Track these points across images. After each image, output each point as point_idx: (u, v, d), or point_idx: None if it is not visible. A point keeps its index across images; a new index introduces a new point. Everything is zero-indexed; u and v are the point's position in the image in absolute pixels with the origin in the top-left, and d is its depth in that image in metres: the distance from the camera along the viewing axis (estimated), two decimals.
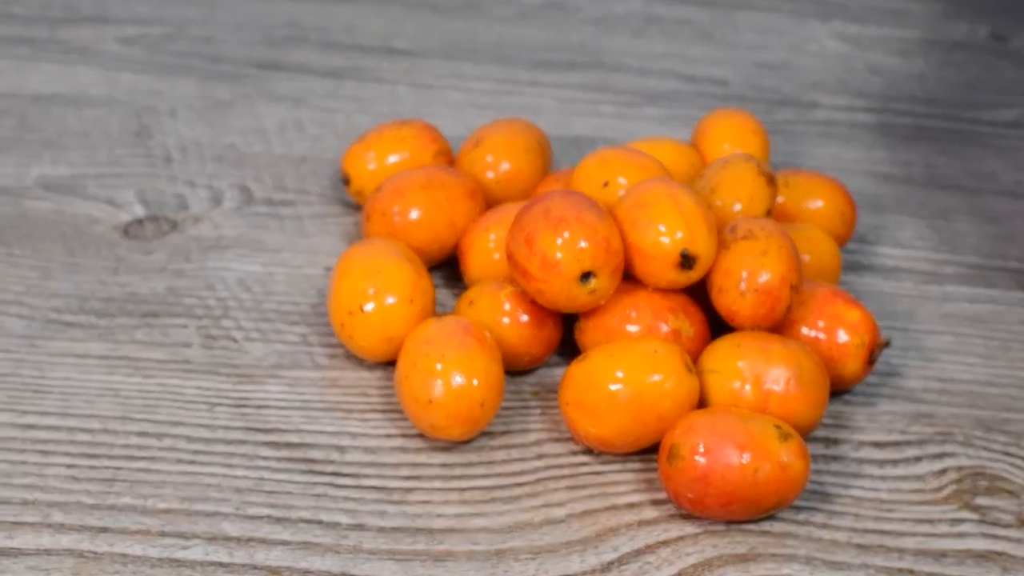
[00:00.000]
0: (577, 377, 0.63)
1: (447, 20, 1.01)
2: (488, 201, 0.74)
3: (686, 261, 0.64)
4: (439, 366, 0.61)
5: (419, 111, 0.88)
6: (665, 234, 0.63)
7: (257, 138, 0.84)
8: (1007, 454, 0.66)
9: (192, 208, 0.77)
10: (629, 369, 0.61)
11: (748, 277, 0.64)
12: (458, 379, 0.61)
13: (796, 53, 1.01)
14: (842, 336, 0.66)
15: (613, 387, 0.61)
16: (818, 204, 0.75)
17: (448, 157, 0.77)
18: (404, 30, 0.99)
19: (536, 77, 0.95)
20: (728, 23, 1.05)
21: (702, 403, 0.63)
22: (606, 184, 0.68)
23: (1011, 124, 0.94)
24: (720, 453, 0.59)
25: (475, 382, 0.61)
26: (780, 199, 0.74)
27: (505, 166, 0.75)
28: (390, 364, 0.66)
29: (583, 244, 0.62)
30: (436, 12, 1.02)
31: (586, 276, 0.63)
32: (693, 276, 0.65)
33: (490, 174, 0.75)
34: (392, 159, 0.75)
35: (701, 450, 0.59)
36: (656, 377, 0.61)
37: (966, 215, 0.83)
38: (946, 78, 0.99)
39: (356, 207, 0.78)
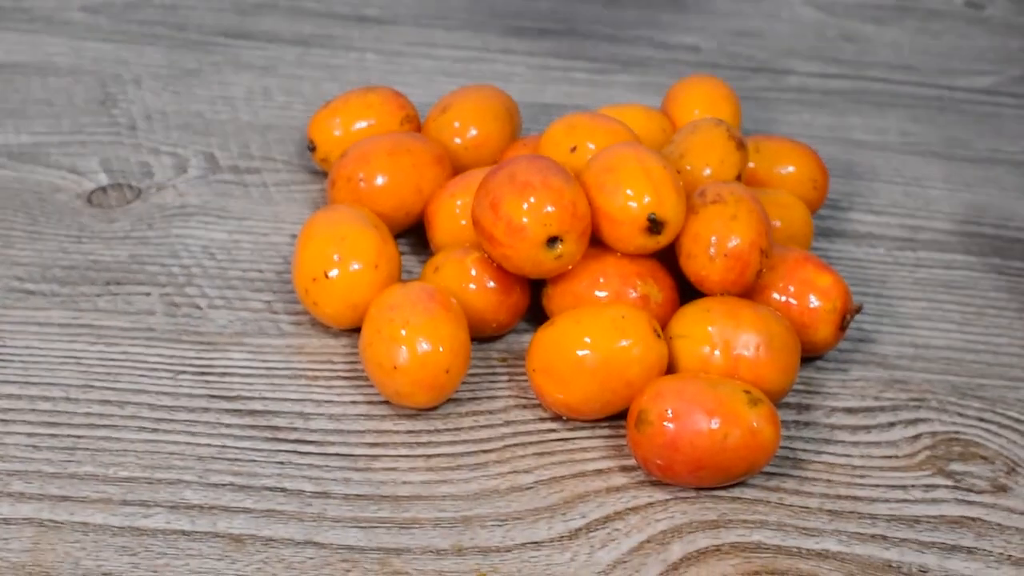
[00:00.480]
0: (544, 343, 0.62)
1: None
2: (456, 167, 0.73)
3: (654, 225, 0.63)
4: (404, 332, 0.61)
5: (389, 79, 0.87)
6: (633, 198, 0.63)
7: (224, 106, 0.83)
8: (981, 420, 0.65)
9: (156, 176, 0.76)
10: (597, 335, 0.61)
11: (717, 242, 0.63)
12: (423, 345, 0.60)
13: (770, 20, 1.00)
14: (813, 301, 0.65)
15: (581, 353, 0.61)
16: (789, 169, 0.74)
17: (415, 124, 0.76)
18: None
19: (508, 44, 0.94)
20: None
21: (671, 369, 0.62)
22: (574, 149, 0.67)
23: (986, 91, 0.93)
24: (689, 419, 0.58)
25: (440, 348, 0.61)
26: (751, 165, 0.73)
27: (472, 132, 0.74)
28: (355, 331, 0.65)
29: (549, 208, 0.62)
30: None
31: (552, 241, 0.62)
32: (661, 241, 0.64)
33: (457, 140, 0.74)
34: (358, 125, 0.74)
35: (670, 415, 0.58)
36: (624, 343, 0.60)
37: (940, 182, 0.83)
38: (921, 45, 0.99)
39: (322, 174, 0.77)
